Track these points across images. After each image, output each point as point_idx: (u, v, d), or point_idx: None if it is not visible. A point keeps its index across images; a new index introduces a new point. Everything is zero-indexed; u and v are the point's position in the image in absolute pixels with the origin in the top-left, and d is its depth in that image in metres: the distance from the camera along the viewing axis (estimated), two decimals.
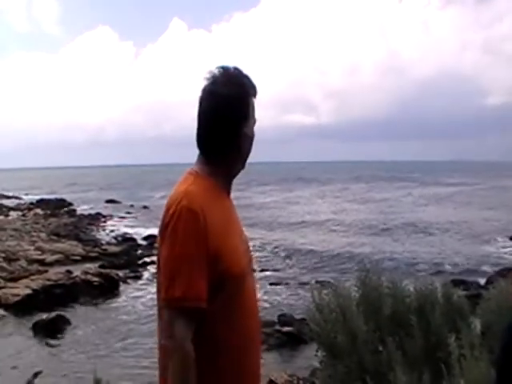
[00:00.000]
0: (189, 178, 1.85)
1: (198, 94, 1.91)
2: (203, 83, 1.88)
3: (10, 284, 15.03)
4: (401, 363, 3.52)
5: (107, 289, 15.96)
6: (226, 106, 1.83)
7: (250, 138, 1.93)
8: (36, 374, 5.24)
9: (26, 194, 60.05)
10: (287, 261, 20.81)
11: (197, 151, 1.91)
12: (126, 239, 26.47)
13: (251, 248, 2.04)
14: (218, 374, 1.79)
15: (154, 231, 29.15)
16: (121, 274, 18.05)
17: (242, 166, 1.96)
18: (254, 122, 1.93)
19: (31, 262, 18.85)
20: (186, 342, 1.67)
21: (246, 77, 1.90)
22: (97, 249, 22.75)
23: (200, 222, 1.70)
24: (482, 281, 15.61)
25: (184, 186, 1.81)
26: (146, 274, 18.71)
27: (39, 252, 20.81)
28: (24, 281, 15.33)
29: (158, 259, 1.82)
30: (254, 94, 1.91)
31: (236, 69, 1.89)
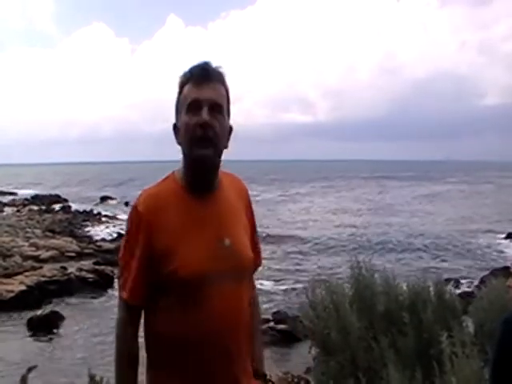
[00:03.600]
0: (164, 178, 1.89)
1: None
2: None
3: (4, 280, 15.01)
4: (393, 360, 3.54)
5: (102, 285, 15.98)
6: None
7: (184, 128, 1.77)
8: (30, 369, 5.23)
9: (21, 190, 59.89)
10: (281, 259, 20.86)
11: None
12: (121, 236, 26.42)
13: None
14: (153, 372, 1.85)
15: None
16: (115, 270, 18.02)
17: (192, 164, 1.79)
18: (193, 108, 1.75)
19: (26, 258, 18.84)
20: (120, 324, 1.84)
21: (193, 66, 1.81)
22: (91, 245, 22.75)
23: (143, 224, 1.76)
24: (476, 280, 15.68)
25: (149, 186, 1.88)
26: None
27: (34, 248, 20.80)
28: (19, 277, 15.32)
29: None
30: (191, 79, 1.78)
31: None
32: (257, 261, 2.05)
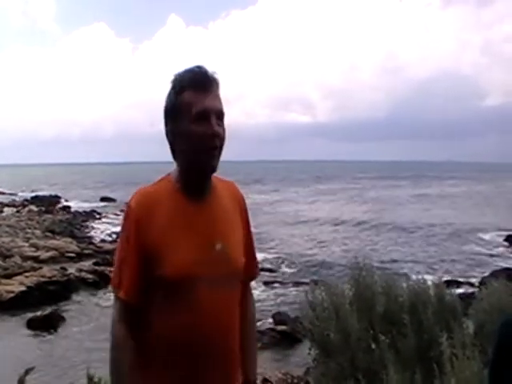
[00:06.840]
0: (160, 179, 1.87)
1: None
2: None
3: (4, 281, 15.01)
4: (393, 362, 3.53)
5: (101, 286, 15.96)
6: (165, 102, 1.84)
7: (190, 137, 1.74)
8: (28, 371, 5.21)
9: (21, 191, 59.86)
10: (281, 260, 20.83)
11: None
12: None
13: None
14: (143, 373, 1.81)
15: None
16: None
17: (197, 171, 1.78)
18: (200, 118, 1.73)
19: (26, 258, 18.83)
20: (116, 324, 1.76)
21: (191, 71, 1.78)
22: (91, 246, 22.74)
23: (136, 220, 1.75)
24: (476, 281, 15.66)
25: (145, 186, 1.86)
26: None
27: (34, 249, 20.79)
28: (18, 277, 15.31)
29: None
30: (193, 86, 1.75)
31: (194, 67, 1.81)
32: (254, 270, 2.04)
